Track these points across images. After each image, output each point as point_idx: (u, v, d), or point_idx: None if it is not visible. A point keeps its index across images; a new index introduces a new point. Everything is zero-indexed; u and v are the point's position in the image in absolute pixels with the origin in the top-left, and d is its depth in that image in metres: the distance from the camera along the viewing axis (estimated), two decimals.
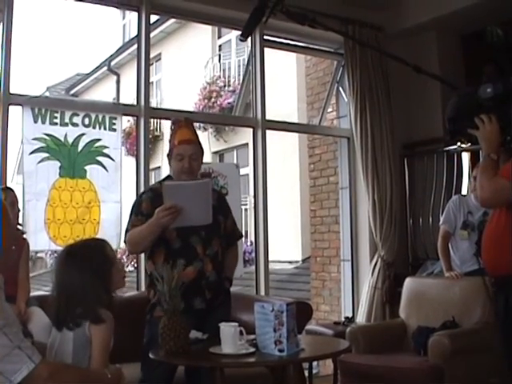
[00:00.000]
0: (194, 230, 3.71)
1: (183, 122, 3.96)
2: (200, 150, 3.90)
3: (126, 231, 3.82)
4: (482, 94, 3.16)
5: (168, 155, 3.90)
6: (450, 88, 3.49)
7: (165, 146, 14.88)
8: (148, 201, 3.79)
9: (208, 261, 3.73)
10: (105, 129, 5.45)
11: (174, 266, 3.51)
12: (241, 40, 3.51)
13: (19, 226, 4.67)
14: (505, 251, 3.09)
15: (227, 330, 3.30)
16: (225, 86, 13.55)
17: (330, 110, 7.41)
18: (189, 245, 3.72)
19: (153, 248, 3.75)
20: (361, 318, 6.45)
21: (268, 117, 6.38)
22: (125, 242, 3.86)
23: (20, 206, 4.71)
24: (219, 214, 3.87)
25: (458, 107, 3.32)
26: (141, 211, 3.78)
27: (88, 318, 2.66)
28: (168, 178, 3.98)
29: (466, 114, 3.22)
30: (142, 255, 4.79)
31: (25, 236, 4.73)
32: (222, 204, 4.01)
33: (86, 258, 2.79)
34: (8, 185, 4.85)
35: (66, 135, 5.25)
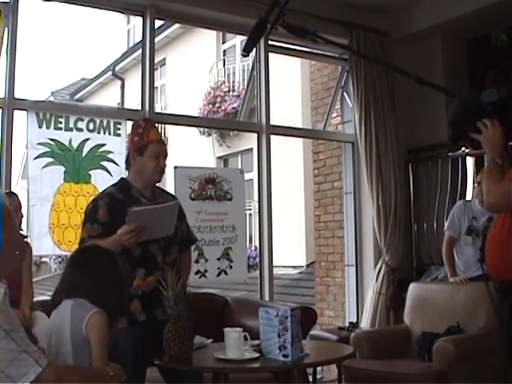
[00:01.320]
0: (154, 238, 3.56)
1: (152, 121, 3.89)
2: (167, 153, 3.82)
3: (82, 241, 3.58)
4: (485, 98, 3.14)
5: (134, 153, 3.70)
6: (451, 97, 3.47)
7: (169, 151, 14.90)
8: (105, 207, 3.56)
9: (168, 269, 3.52)
10: (109, 134, 5.45)
11: (134, 276, 3.48)
12: (243, 55, 3.49)
13: (21, 231, 4.67)
14: (508, 256, 3.07)
15: (232, 335, 3.30)
16: (229, 91, 13.55)
17: (334, 115, 7.41)
18: (149, 253, 3.56)
19: None
20: (365, 324, 6.44)
21: (272, 122, 6.38)
22: None
23: (24, 210, 4.71)
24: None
25: (459, 111, 3.30)
26: (97, 219, 3.54)
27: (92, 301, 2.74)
28: (122, 180, 3.81)
29: (468, 119, 3.20)
30: None
31: (28, 240, 4.73)
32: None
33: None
34: (13, 190, 4.86)
35: (70, 140, 5.26)
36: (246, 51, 3.36)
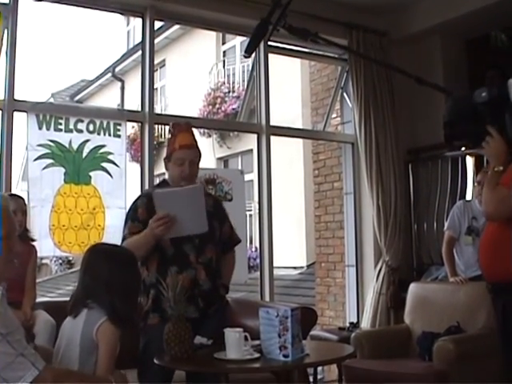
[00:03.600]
0: (188, 238, 3.66)
1: (184, 125, 3.91)
2: (199, 155, 3.87)
3: (124, 238, 3.74)
4: (476, 98, 3.14)
5: (165, 159, 3.86)
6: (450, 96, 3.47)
7: None
8: (143, 207, 3.73)
9: (201, 269, 3.66)
10: (109, 135, 5.46)
11: (166, 274, 3.49)
12: (245, 57, 3.52)
13: (29, 233, 4.66)
14: (500, 258, 3.06)
15: (232, 335, 3.30)
16: (229, 91, 13.55)
17: (334, 115, 7.41)
18: (182, 252, 3.66)
19: (147, 255, 3.67)
20: (365, 324, 6.45)
21: (272, 122, 6.39)
22: None
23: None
24: (214, 220, 3.80)
25: (453, 111, 3.30)
26: (137, 217, 3.73)
27: (107, 311, 2.73)
28: (163, 182, 3.94)
29: (462, 119, 3.20)
30: None
31: (34, 243, 4.71)
32: (218, 210, 3.95)
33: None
34: (13, 191, 4.88)
35: (70, 141, 5.27)
36: (247, 52, 3.39)
